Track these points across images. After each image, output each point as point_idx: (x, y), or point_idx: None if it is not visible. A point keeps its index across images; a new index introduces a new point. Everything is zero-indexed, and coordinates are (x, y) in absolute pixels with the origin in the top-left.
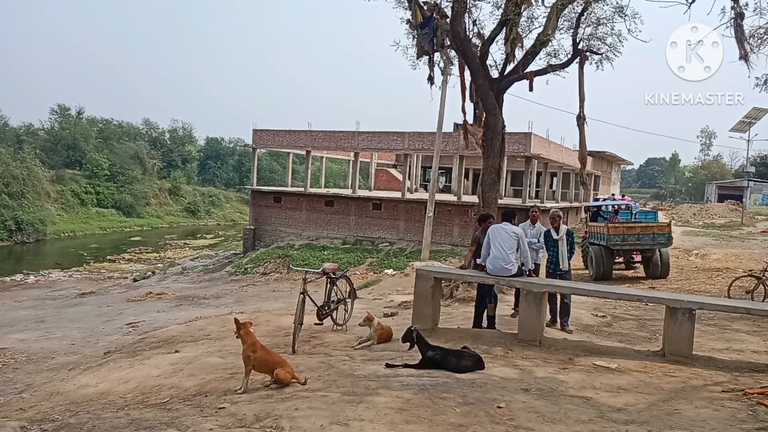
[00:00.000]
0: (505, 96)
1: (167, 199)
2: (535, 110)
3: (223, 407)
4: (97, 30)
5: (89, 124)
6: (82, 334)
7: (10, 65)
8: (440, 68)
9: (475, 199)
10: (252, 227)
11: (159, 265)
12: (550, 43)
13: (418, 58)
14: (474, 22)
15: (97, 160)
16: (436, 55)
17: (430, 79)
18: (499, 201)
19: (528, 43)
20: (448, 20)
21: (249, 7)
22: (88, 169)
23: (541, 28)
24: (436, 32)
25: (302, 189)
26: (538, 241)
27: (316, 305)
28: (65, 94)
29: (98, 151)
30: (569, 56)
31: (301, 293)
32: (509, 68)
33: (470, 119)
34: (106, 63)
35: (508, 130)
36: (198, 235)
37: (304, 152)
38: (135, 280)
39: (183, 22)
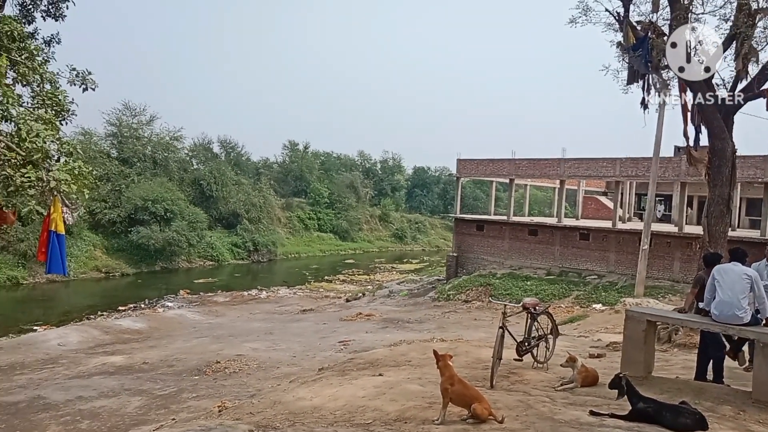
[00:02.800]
0: (737, 116)
1: (377, 225)
2: None
3: None
4: (321, 73)
5: (313, 157)
6: (302, 348)
7: (254, 109)
8: (656, 90)
9: (699, 230)
10: (455, 254)
11: (369, 287)
12: None
13: (629, 84)
14: None
15: (319, 189)
16: (650, 77)
17: (643, 104)
18: (731, 233)
19: (764, 56)
20: (665, 39)
21: (453, 39)
22: (311, 198)
23: None
24: (651, 53)
25: (505, 217)
26: None
27: (516, 340)
28: (295, 131)
29: (320, 181)
30: None
31: (501, 327)
32: (740, 86)
33: (693, 143)
34: (329, 102)
35: (741, 152)
36: (404, 260)
37: (507, 180)
38: (347, 301)
39: (395, 60)
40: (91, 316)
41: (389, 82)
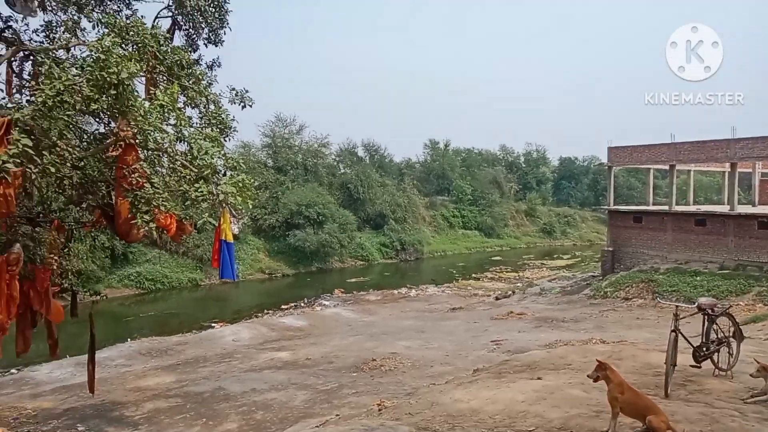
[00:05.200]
0: None
1: (524, 220)
2: None
3: None
4: (456, 68)
5: (454, 155)
6: (454, 347)
7: (395, 110)
8: None
9: None
10: (610, 249)
11: (518, 284)
12: None
13: None
14: None
15: (462, 186)
16: None
17: None
18: None
19: None
20: None
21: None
22: (454, 195)
23: None
24: None
25: (666, 207)
26: None
27: (691, 345)
28: (434, 130)
29: (462, 179)
30: None
31: (673, 331)
32: None
33: None
34: (468, 98)
35: None
36: (554, 256)
37: (666, 167)
38: (497, 299)
39: (533, 47)
40: (259, 314)
41: (529, 71)
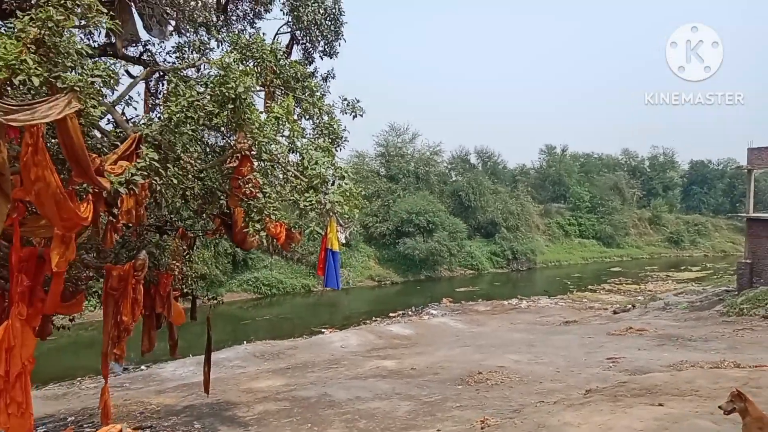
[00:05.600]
0: None
1: (647, 228)
2: None
3: None
4: (573, 72)
5: (572, 160)
6: (566, 363)
7: (508, 115)
8: None
9: None
10: (748, 261)
11: (639, 298)
12: None
13: None
14: None
15: (579, 193)
16: None
17: None
18: None
19: None
20: None
21: None
22: (571, 202)
23: None
24: None
25: None
26: None
27: None
28: (551, 134)
29: (580, 185)
30: None
31: None
32: None
33: None
34: (585, 100)
35: None
36: (682, 267)
37: None
38: (615, 313)
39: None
40: (367, 321)
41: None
